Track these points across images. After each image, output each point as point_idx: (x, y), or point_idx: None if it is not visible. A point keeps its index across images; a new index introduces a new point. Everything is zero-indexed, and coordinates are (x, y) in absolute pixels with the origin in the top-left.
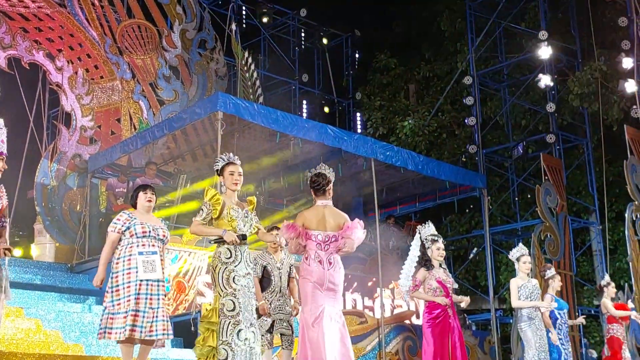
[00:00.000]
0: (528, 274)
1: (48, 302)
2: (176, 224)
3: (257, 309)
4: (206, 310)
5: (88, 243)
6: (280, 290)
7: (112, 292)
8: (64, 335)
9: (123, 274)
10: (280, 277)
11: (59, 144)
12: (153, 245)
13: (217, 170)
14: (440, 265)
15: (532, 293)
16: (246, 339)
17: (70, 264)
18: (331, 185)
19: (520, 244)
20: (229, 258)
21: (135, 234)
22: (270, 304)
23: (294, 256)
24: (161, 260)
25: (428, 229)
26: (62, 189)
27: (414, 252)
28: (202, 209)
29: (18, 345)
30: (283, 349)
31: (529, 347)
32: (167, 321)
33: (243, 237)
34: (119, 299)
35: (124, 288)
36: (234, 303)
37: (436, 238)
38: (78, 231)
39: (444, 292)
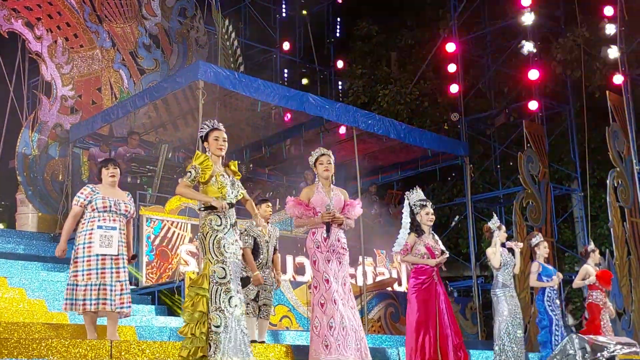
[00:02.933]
0: (504, 244)
1: (31, 272)
2: (158, 193)
3: (243, 279)
4: (195, 276)
5: None
6: (267, 263)
7: (72, 264)
8: (48, 304)
9: (83, 247)
10: (268, 250)
11: (40, 113)
12: (114, 220)
13: (202, 136)
14: (430, 231)
15: (507, 262)
16: (236, 305)
17: (53, 233)
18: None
19: (495, 216)
20: (219, 225)
21: (97, 208)
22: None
23: (279, 229)
24: (123, 233)
25: (416, 195)
26: (43, 159)
27: (405, 218)
28: (190, 172)
29: (2, 314)
30: (261, 318)
31: (502, 314)
32: (127, 294)
33: (231, 206)
34: (77, 271)
35: (83, 261)
36: (224, 270)
37: (425, 203)
38: (60, 201)
39: (432, 258)
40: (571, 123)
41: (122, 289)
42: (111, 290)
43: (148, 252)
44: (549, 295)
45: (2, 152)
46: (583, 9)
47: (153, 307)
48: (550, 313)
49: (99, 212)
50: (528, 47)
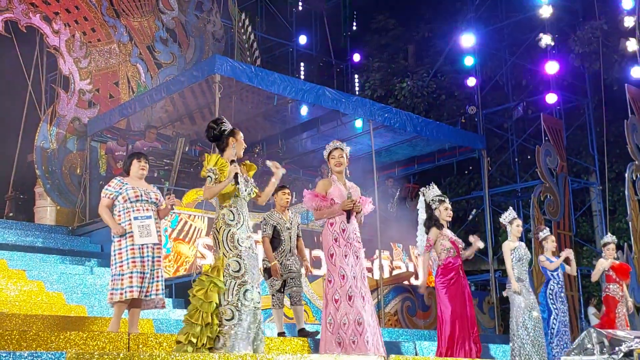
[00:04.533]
0: (520, 237)
1: (50, 265)
2: (175, 187)
3: (267, 270)
4: (207, 267)
5: (89, 206)
6: (290, 250)
7: (115, 255)
8: (66, 297)
9: (125, 238)
10: (290, 237)
11: (58, 107)
12: (147, 210)
13: (225, 130)
14: (447, 226)
15: (522, 257)
16: (252, 299)
17: (72, 226)
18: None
19: (510, 209)
20: (232, 220)
21: (129, 198)
22: (280, 263)
23: (300, 216)
24: (156, 223)
25: (432, 191)
26: (61, 153)
27: (422, 215)
28: (210, 176)
29: (21, 306)
30: (294, 305)
31: (519, 309)
32: (162, 282)
33: (232, 162)
34: (121, 261)
35: (126, 250)
36: (239, 264)
37: (443, 198)
38: (78, 194)
39: (457, 252)
40: (589, 116)
41: (153, 277)
42: (151, 278)
43: (165, 245)
44: (552, 288)
45: (20, 145)
46: (601, 1)
47: (170, 300)
48: (551, 306)
49: (131, 202)
50: (546, 40)
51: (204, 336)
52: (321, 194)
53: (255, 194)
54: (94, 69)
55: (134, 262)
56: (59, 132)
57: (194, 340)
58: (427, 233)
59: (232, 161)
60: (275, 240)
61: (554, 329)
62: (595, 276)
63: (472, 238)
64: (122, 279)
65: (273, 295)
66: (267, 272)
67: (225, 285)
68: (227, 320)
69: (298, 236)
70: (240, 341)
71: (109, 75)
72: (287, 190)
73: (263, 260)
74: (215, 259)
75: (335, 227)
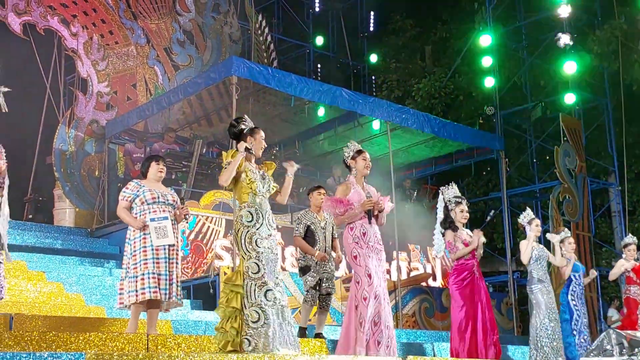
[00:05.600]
0: (539, 238)
1: (69, 266)
2: (193, 189)
3: (302, 269)
4: (230, 272)
5: (107, 208)
6: (325, 250)
7: (129, 257)
8: (85, 298)
9: (140, 240)
10: (325, 237)
11: (76, 110)
12: (164, 211)
13: (243, 129)
14: (464, 226)
15: (540, 257)
16: (275, 298)
17: (90, 228)
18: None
19: (529, 209)
20: (250, 221)
21: (145, 200)
22: (315, 263)
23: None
24: (173, 225)
25: (451, 191)
26: (80, 155)
27: (440, 214)
28: (225, 167)
29: (41, 308)
30: (320, 309)
31: (539, 309)
32: (177, 285)
33: (247, 150)
34: (136, 264)
35: (139, 252)
36: (258, 265)
37: (460, 200)
38: (97, 196)
39: (470, 254)
40: (608, 116)
41: (174, 280)
42: (165, 280)
43: (183, 246)
44: (574, 289)
45: (39, 148)
46: (620, 0)
47: (188, 301)
48: (572, 307)
49: (148, 204)
50: (564, 39)
51: (228, 342)
52: (344, 199)
53: (275, 190)
54: (112, 72)
55: (145, 264)
56: (77, 135)
57: (221, 346)
58: (443, 234)
59: (247, 148)
60: (309, 240)
61: (576, 329)
62: (613, 275)
63: (476, 232)
64: (136, 281)
65: (307, 291)
66: (302, 271)
67: (245, 288)
68: (253, 322)
69: (333, 237)
70: (275, 340)
71: (126, 77)
72: (322, 191)
73: (298, 259)
74: (237, 260)
75: (356, 231)
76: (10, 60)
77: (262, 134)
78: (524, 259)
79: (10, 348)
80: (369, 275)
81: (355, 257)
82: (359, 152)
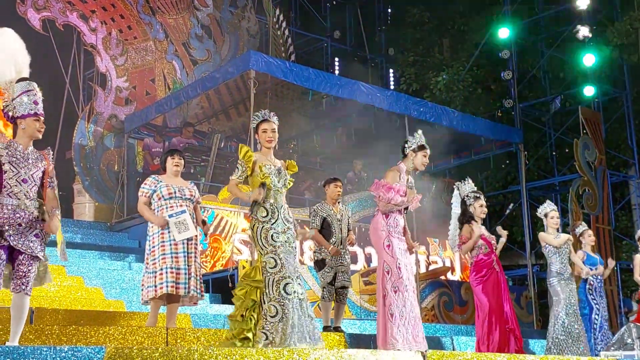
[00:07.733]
0: (557, 229)
1: (89, 260)
2: (212, 183)
3: (318, 262)
4: (248, 267)
5: (126, 202)
6: (342, 242)
7: (149, 253)
8: (105, 292)
9: (158, 235)
10: (341, 229)
11: (95, 104)
12: (181, 205)
13: (254, 127)
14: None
15: (560, 248)
16: (294, 291)
17: (110, 222)
18: None
19: (547, 201)
20: (265, 217)
21: (162, 196)
22: (330, 257)
23: (350, 208)
24: (194, 220)
25: (468, 186)
26: (99, 150)
27: (456, 209)
28: (238, 168)
29: (61, 302)
30: (337, 302)
31: (558, 302)
32: (196, 279)
33: (262, 185)
34: (154, 259)
35: (158, 248)
36: (275, 260)
37: (478, 195)
38: (116, 191)
39: (489, 249)
40: (628, 108)
41: (194, 274)
42: (185, 274)
43: (201, 240)
44: (591, 283)
45: (59, 143)
46: None
47: (207, 295)
48: (592, 302)
49: (165, 199)
50: (583, 31)
51: (243, 330)
52: (396, 187)
53: (291, 183)
54: (131, 67)
55: (164, 259)
56: (96, 129)
57: (249, 336)
58: (460, 229)
59: (262, 184)
60: (325, 232)
61: (596, 324)
62: (638, 273)
63: (499, 230)
64: (155, 276)
65: (324, 287)
66: (318, 265)
67: (264, 282)
68: (271, 317)
69: (348, 229)
70: (293, 334)
71: (145, 72)
72: (339, 183)
73: (314, 252)
74: (255, 255)
75: (390, 220)
76: (30, 56)
77: (267, 125)
78: (556, 243)
79: (30, 342)
80: (399, 268)
81: (389, 245)
82: (422, 147)
